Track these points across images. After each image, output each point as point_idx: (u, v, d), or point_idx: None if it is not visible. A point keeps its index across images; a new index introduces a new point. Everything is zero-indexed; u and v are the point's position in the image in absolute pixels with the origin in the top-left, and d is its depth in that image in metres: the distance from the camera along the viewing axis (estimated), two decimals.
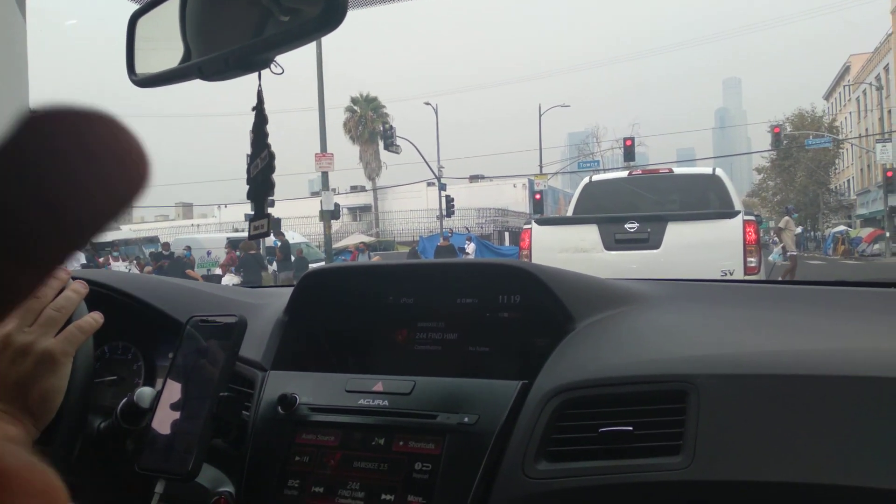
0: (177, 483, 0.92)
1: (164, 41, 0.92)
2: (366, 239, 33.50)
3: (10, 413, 0.77)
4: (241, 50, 0.81)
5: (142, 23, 0.94)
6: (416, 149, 29.63)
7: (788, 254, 14.95)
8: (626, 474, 0.83)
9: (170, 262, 17.75)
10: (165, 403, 0.95)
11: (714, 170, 7.98)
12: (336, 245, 29.21)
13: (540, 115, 35.63)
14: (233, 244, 18.19)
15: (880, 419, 0.79)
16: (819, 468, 0.77)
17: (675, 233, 6.18)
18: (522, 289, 1.15)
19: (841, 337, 1.01)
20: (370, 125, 41.73)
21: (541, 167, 35.24)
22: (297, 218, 33.54)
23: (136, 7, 0.96)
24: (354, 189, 48.26)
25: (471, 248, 22.76)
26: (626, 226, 6.36)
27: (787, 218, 16.26)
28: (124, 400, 0.97)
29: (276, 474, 0.99)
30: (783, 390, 0.84)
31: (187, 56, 0.89)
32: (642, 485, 0.82)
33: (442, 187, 31.91)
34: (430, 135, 35.69)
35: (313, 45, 19.17)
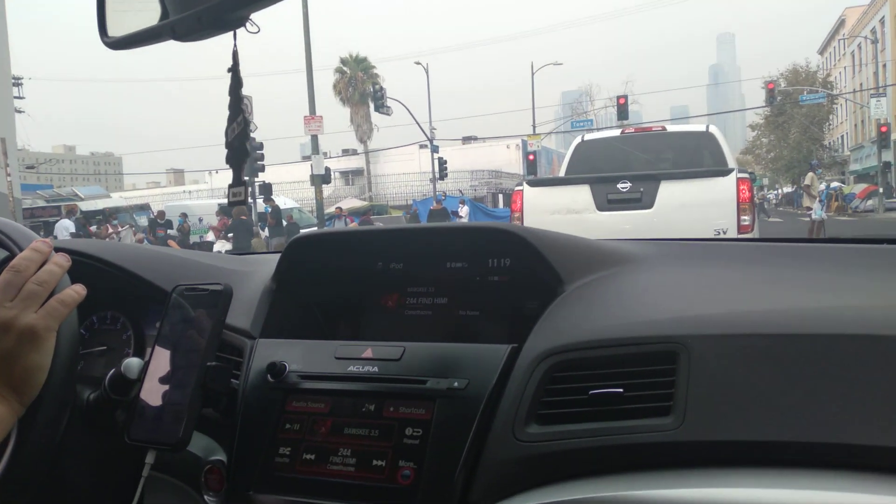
0: (167, 453, 0.92)
1: (136, 1, 0.89)
2: (357, 203, 33.36)
3: None
4: (214, 7, 0.78)
5: None
6: (408, 110, 29.37)
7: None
8: (617, 436, 0.83)
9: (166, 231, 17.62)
10: (153, 373, 0.95)
11: (707, 127, 7.90)
12: (328, 210, 29.16)
13: (532, 74, 35.32)
14: (224, 210, 18.09)
15: (872, 377, 0.78)
16: (809, 427, 0.77)
17: (669, 192, 6.12)
18: (512, 252, 1.14)
19: (834, 294, 1.00)
20: (360, 86, 41.22)
21: (534, 127, 35.05)
22: (289, 183, 33.35)
23: None
24: (346, 152, 47.87)
25: (464, 211, 22.62)
26: (619, 186, 6.27)
27: (811, 174, 15.93)
28: (112, 371, 0.96)
29: (267, 442, 0.98)
30: (774, 350, 0.83)
31: (164, 14, 0.86)
32: (633, 446, 0.82)
33: (434, 149, 31.64)
34: (421, 96, 35.35)
35: (299, 3, 18.81)
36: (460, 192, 30.67)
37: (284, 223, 16.55)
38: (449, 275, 1.19)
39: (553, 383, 0.89)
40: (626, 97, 28.34)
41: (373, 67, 43.09)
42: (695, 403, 0.81)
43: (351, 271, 1.25)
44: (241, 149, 0.84)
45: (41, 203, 24.38)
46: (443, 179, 30.45)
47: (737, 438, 0.79)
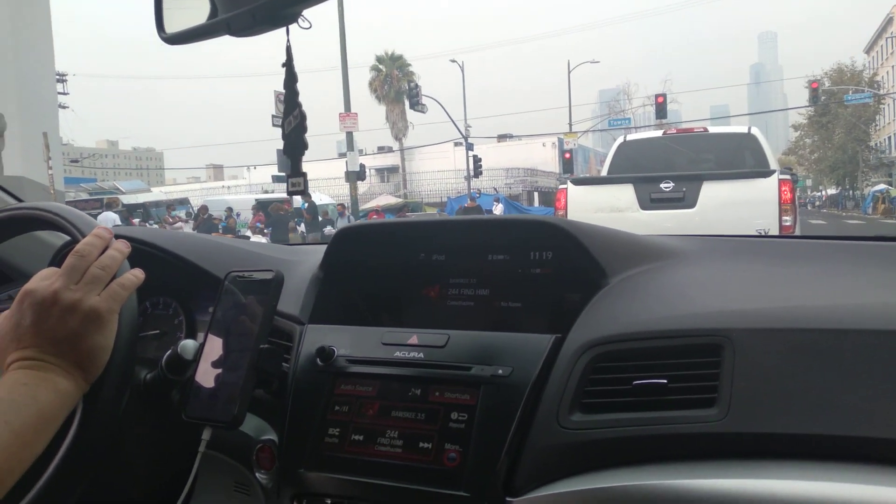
0: (222, 430, 0.96)
1: None
2: (392, 200, 33.45)
3: (61, 367, 0.80)
4: (267, 4, 0.81)
5: None
6: (443, 107, 29.30)
7: None
8: (661, 426, 0.84)
9: (205, 223, 17.81)
10: (208, 356, 0.98)
11: (749, 128, 7.94)
12: (363, 206, 29.32)
13: (569, 72, 35.02)
14: (261, 205, 18.37)
15: None
16: (853, 421, 0.77)
17: (711, 192, 6.22)
18: (555, 245, 1.15)
19: (879, 291, 1.00)
20: (396, 84, 41.36)
21: (570, 125, 34.76)
22: (325, 179, 33.64)
23: None
24: (381, 150, 48.12)
25: (498, 209, 22.48)
26: (662, 185, 6.39)
27: None
28: (169, 352, 1.00)
29: (317, 423, 1.01)
30: (819, 344, 0.83)
31: (214, 12, 0.89)
32: (677, 436, 0.83)
33: (469, 147, 31.54)
34: (456, 93, 35.34)
35: (335, 1, 18.97)
36: (495, 189, 30.55)
37: (320, 219, 16.73)
38: (491, 266, 1.20)
39: (597, 373, 0.90)
40: (664, 95, 28.01)
41: (408, 65, 43.20)
42: (739, 396, 0.82)
43: (394, 262, 1.27)
44: (300, 140, 0.87)
45: (84, 196, 24.98)
46: (477, 177, 30.33)
47: (781, 431, 0.79)
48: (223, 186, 45.31)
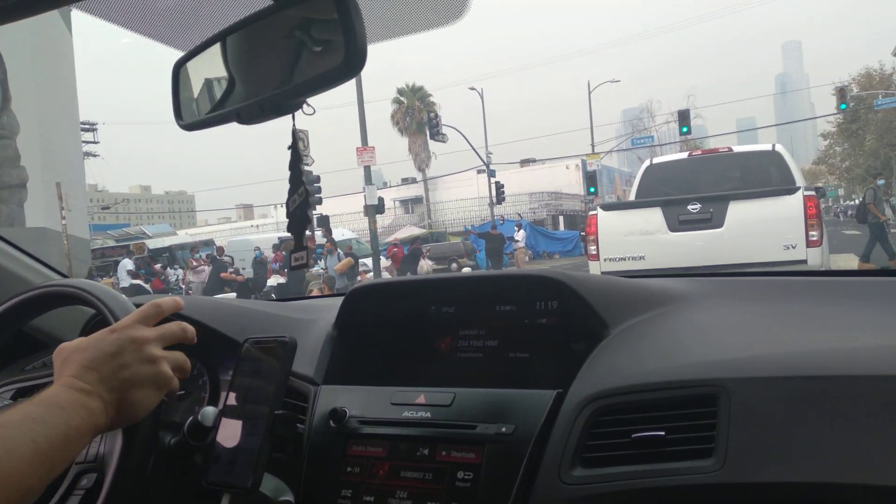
0: (241, 495, 1.01)
1: (205, 87, 1.00)
2: (416, 231, 33.49)
3: (106, 403, 0.86)
4: (273, 97, 0.89)
5: (184, 71, 1.03)
6: (463, 136, 29.32)
7: None
8: (660, 478, 0.87)
9: (215, 264, 18.13)
10: (227, 422, 1.05)
11: (773, 146, 8.19)
12: (388, 239, 29.40)
13: (590, 93, 35.05)
14: (280, 245, 18.67)
15: None
16: (851, 468, 0.79)
17: (738, 211, 6.57)
18: (559, 296, 1.19)
19: (881, 333, 1.01)
20: (417, 115, 41.75)
21: (592, 146, 34.66)
22: (349, 214, 33.95)
23: (180, 55, 1.04)
24: (405, 181, 48.42)
25: (520, 235, 22.28)
26: (689, 207, 6.77)
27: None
28: (190, 419, 1.06)
29: (331, 484, 1.07)
30: (814, 392, 0.86)
31: (225, 99, 0.97)
32: (675, 488, 0.86)
33: (491, 174, 31.45)
34: (477, 120, 35.53)
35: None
36: (519, 215, 30.42)
37: (341, 252, 16.92)
38: (499, 317, 1.25)
39: (597, 427, 0.94)
40: (687, 110, 27.87)
41: (429, 96, 43.58)
42: (735, 445, 0.84)
43: (406, 316, 1.33)
44: (303, 217, 0.94)
45: (111, 243, 25.50)
46: (500, 203, 30.20)
47: (778, 480, 0.81)
48: (252, 225, 45.94)
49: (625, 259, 7.02)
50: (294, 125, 0.95)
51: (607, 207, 7.82)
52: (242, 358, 1.09)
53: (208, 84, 0.99)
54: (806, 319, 1.12)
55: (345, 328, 1.31)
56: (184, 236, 30.26)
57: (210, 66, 0.97)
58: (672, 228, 6.84)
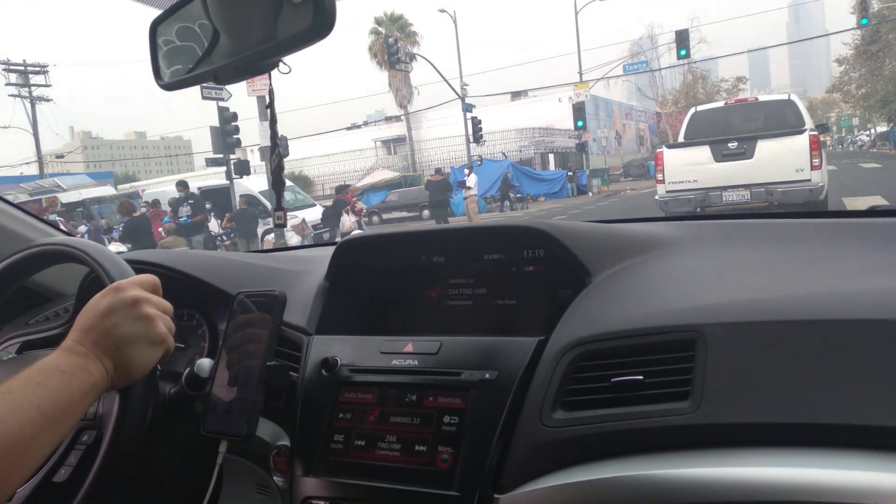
0: (236, 443, 1.15)
1: (182, 47, 1.07)
2: (388, 175, 32.42)
3: (104, 364, 0.94)
4: (247, 57, 0.97)
5: (161, 29, 1.10)
6: (431, 63, 27.57)
7: None
8: (637, 420, 0.96)
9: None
10: (222, 372, 1.17)
11: (789, 95, 12.42)
12: (360, 183, 28.54)
13: (576, 13, 33.22)
14: (204, 195, 17.75)
15: (885, 360, 0.87)
16: (821, 409, 0.87)
17: (763, 147, 10.40)
18: (545, 244, 1.28)
19: (861, 276, 1.09)
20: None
21: (580, 74, 32.76)
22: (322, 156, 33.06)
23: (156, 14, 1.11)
24: (389, 120, 47.68)
25: (472, 180, 19.75)
26: (729, 144, 10.66)
27: None
28: (187, 370, 1.18)
29: (324, 430, 1.18)
30: (787, 336, 0.93)
31: (203, 58, 1.05)
32: (653, 429, 0.95)
33: (468, 108, 29.59)
34: (462, 53, 33.92)
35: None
36: (503, 154, 29.52)
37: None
38: (487, 266, 1.34)
39: (578, 372, 1.03)
40: (686, 30, 27.20)
41: (410, 25, 42.53)
42: (710, 388, 0.93)
43: (397, 267, 1.43)
44: (279, 180, 1.03)
45: (24, 197, 22.65)
46: (478, 142, 28.26)
47: (750, 420, 0.90)
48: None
49: (682, 182, 10.86)
50: (270, 84, 1.03)
51: (670, 146, 11.84)
52: (235, 311, 1.21)
53: (185, 43, 1.06)
54: (787, 264, 1.19)
55: (337, 279, 1.41)
56: (107, 189, 26.95)
57: (186, 25, 1.05)
58: (717, 160, 10.63)
